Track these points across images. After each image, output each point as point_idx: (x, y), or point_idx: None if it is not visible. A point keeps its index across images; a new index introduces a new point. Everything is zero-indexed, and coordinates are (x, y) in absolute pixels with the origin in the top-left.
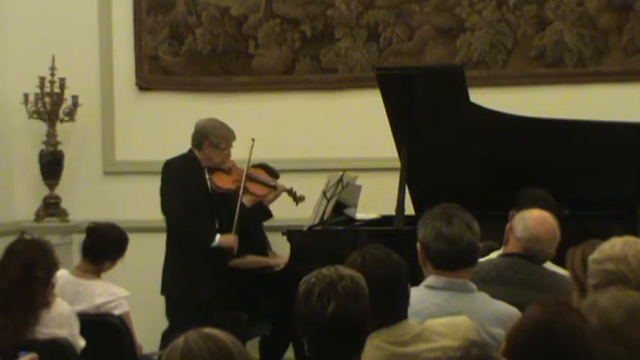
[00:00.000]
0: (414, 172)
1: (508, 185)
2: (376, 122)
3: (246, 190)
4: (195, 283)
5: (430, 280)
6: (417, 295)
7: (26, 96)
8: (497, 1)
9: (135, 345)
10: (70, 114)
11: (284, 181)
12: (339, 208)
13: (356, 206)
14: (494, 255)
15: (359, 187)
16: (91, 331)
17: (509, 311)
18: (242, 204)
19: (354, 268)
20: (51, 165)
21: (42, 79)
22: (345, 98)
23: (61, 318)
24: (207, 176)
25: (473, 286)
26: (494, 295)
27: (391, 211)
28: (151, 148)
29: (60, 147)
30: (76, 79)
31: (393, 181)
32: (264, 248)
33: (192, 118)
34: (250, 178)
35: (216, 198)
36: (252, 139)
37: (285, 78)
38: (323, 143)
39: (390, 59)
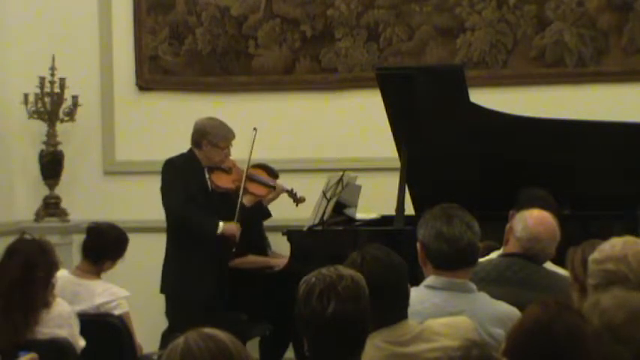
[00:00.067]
0: (414, 172)
1: (508, 185)
2: (376, 122)
3: (245, 190)
4: (196, 282)
5: (430, 280)
6: (417, 295)
7: (26, 96)
8: (497, 1)
9: (135, 345)
10: (70, 114)
11: (284, 181)
12: (339, 208)
13: (356, 206)
14: (494, 255)
15: (359, 187)
16: (91, 331)
17: (509, 311)
18: (242, 204)
19: (354, 268)
20: (51, 165)
21: (42, 79)
22: (345, 98)
23: (61, 318)
24: (207, 176)
25: (473, 286)
26: (494, 295)
27: (391, 211)
28: (151, 148)
29: (60, 147)
30: (76, 79)
31: (393, 181)
32: (264, 248)
33: (192, 118)
34: (250, 178)
35: (216, 197)
36: (254, 129)
37: (285, 78)
38: (323, 143)
39: (390, 59)
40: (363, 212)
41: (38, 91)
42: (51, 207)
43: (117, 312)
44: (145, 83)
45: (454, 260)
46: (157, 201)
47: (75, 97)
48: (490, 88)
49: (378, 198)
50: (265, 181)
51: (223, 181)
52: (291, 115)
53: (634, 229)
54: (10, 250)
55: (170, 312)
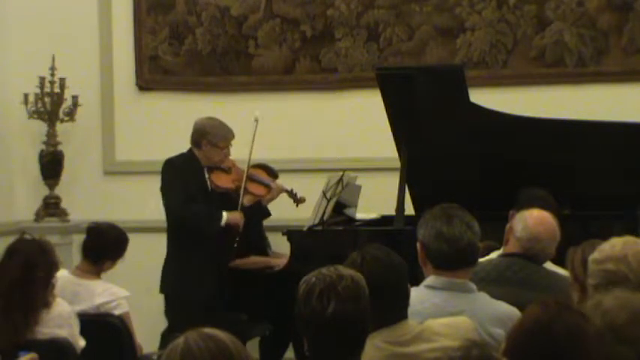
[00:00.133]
0: (414, 172)
1: (508, 185)
2: (376, 122)
3: (245, 190)
4: (196, 282)
5: (430, 280)
6: (417, 295)
7: (26, 96)
8: (497, 1)
9: (135, 345)
10: (70, 114)
11: (284, 181)
12: (339, 208)
13: (356, 206)
14: (494, 255)
15: (359, 187)
16: (91, 331)
17: (509, 311)
18: (242, 203)
19: (354, 268)
20: (51, 165)
21: (42, 79)
22: (345, 98)
23: (61, 318)
24: (206, 175)
25: (473, 286)
26: (494, 295)
27: (391, 211)
28: (151, 148)
29: (60, 147)
30: (76, 79)
31: (393, 181)
32: (264, 248)
33: (192, 118)
34: (250, 178)
35: (216, 197)
36: (256, 119)
37: (285, 78)
38: (323, 143)
39: (390, 59)
40: (363, 212)
41: (38, 91)
42: (51, 207)
43: (117, 312)
44: (145, 83)
45: (454, 260)
46: (157, 201)
47: (75, 97)
48: (490, 88)
49: (378, 198)
50: (265, 181)
51: (223, 181)
52: (291, 115)
53: (634, 229)
54: (10, 250)
55: (170, 312)
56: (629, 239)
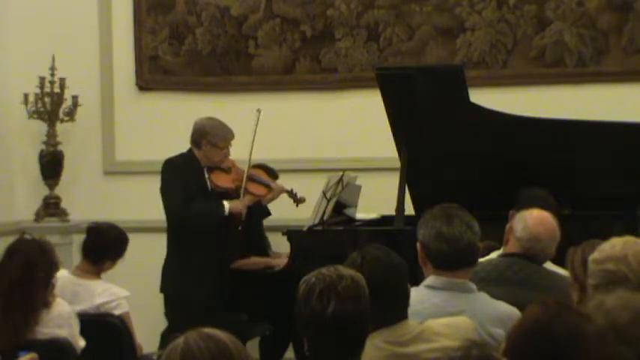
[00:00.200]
0: (414, 172)
1: (508, 185)
2: (376, 122)
3: (245, 190)
4: (196, 282)
5: (430, 280)
6: (417, 295)
7: (26, 96)
8: (497, 1)
9: (135, 345)
10: (70, 114)
11: (284, 181)
12: (339, 208)
13: (356, 206)
14: (494, 255)
15: (359, 187)
16: (91, 331)
17: (509, 311)
18: None
19: (354, 268)
20: (51, 165)
21: (42, 79)
22: (345, 98)
23: (61, 318)
24: (206, 175)
25: (473, 286)
26: (494, 295)
27: (391, 211)
28: (151, 148)
29: (60, 147)
30: (76, 79)
31: (393, 181)
32: (264, 248)
33: (192, 118)
34: (250, 178)
35: (216, 197)
36: (258, 110)
37: (285, 78)
38: (323, 143)
39: (390, 59)
40: (363, 212)
41: (38, 91)
42: (51, 207)
43: (117, 312)
44: (145, 83)
45: (454, 260)
46: (157, 201)
47: (75, 97)
48: (490, 88)
49: (378, 198)
50: (265, 181)
51: (223, 181)
52: (291, 115)
53: (634, 229)
54: (10, 250)
55: (170, 312)
56: (629, 239)
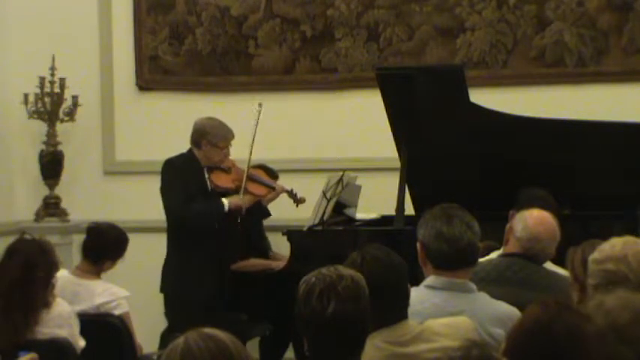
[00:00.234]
0: (414, 172)
1: (508, 185)
2: (376, 122)
3: (245, 190)
4: (196, 282)
5: (430, 280)
6: (417, 295)
7: (26, 96)
8: (497, 1)
9: (135, 345)
10: (70, 114)
11: (284, 181)
12: (339, 208)
13: (356, 206)
14: (494, 255)
15: (359, 187)
16: (91, 331)
17: (509, 311)
18: None
19: (354, 268)
20: (51, 165)
21: (42, 79)
22: (345, 98)
23: (61, 318)
24: (206, 175)
25: (473, 286)
26: (494, 295)
27: (391, 211)
28: (151, 148)
29: (60, 147)
30: (76, 79)
31: (393, 181)
32: (264, 248)
33: (192, 118)
34: (250, 178)
35: (216, 197)
36: (260, 104)
37: (285, 78)
38: (323, 143)
39: (390, 59)
40: (363, 212)
41: (38, 91)
42: (51, 207)
43: (117, 312)
44: (145, 83)
45: (454, 260)
46: (157, 201)
47: (75, 97)
48: (490, 88)
49: (378, 198)
50: (265, 182)
51: (223, 181)
52: (291, 115)
53: (634, 229)
54: (10, 250)
55: (170, 312)
56: (629, 239)
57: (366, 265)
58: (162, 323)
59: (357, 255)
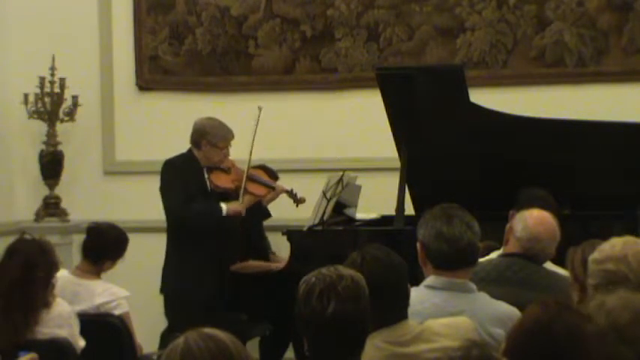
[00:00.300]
0: (414, 172)
1: (508, 185)
2: (376, 122)
3: (245, 190)
4: (195, 283)
5: (430, 280)
6: (417, 295)
7: (26, 96)
8: (497, 1)
9: (135, 345)
10: (70, 114)
11: (284, 181)
12: (339, 208)
13: (356, 206)
14: (494, 255)
15: (359, 187)
16: (91, 331)
17: (509, 311)
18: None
19: (354, 268)
20: (51, 165)
21: (42, 79)
22: (345, 98)
23: (61, 318)
24: (206, 176)
25: (473, 286)
26: (494, 295)
27: (391, 211)
28: (151, 148)
29: (60, 147)
30: (76, 79)
31: (393, 181)
32: (265, 249)
33: (192, 118)
34: (250, 178)
35: (216, 197)
36: (259, 107)
37: (285, 78)
38: (323, 143)
39: (390, 59)
40: (363, 212)
41: (38, 91)
42: (51, 207)
43: (117, 312)
44: (145, 83)
45: (454, 260)
46: (157, 201)
47: (75, 97)
48: (490, 88)
49: (378, 198)
50: (265, 182)
51: (222, 181)
52: (291, 115)
53: (634, 229)
54: (10, 250)
55: (170, 312)
56: (629, 239)
57: (366, 265)
58: (162, 323)
59: (357, 255)
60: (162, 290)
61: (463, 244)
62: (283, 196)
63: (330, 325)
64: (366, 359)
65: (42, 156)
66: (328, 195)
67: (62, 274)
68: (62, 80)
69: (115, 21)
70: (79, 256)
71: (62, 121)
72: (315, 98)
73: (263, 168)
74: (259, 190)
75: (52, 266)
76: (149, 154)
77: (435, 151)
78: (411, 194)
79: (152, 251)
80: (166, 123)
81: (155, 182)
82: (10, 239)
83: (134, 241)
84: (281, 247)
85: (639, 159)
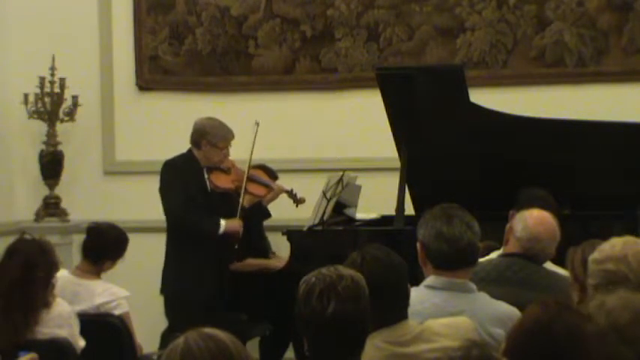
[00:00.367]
0: (414, 172)
1: (508, 185)
2: (376, 122)
3: (245, 190)
4: (195, 283)
5: (430, 280)
6: (417, 295)
7: (26, 96)
8: (497, 1)
9: (135, 345)
10: (70, 114)
11: (284, 181)
12: (339, 208)
13: (356, 206)
14: (494, 255)
15: (359, 187)
16: (91, 331)
17: (509, 311)
18: (242, 204)
19: (354, 268)
20: (51, 165)
21: (42, 79)
22: (345, 98)
23: (61, 318)
24: (206, 176)
25: (473, 286)
26: (494, 295)
27: (391, 211)
28: (151, 148)
29: (60, 147)
30: (76, 79)
31: (393, 181)
32: (265, 249)
33: (192, 118)
34: (250, 178)
35: (216, 197)
36: (257, 123)
37: (285, 78)
38: (323, 143)
39: (390, 59)
40: (363, 212)
41: (38, 91)
42: (51, 207)
43: (117, 312)
44: (145, 83)
45: (454, 260)
46: (156, 201)
47: (75, 97)
48: (490, 88)
49: (378, 198)
50: (265, 182)
51: (222, 182)
52: (291, 115)
53: (634, 229)
54: (10, 250)
55: (170, 312)
56: (629, 239)
57: (366, 265)
58: (162, 323)
59: (357, 255)
60: (163, 291)
61: (463, 244)
62: (283, 196)
63: (330, 325)
64: (366, 359)
65: (42, 156)
66: (328, 195)
67: (62, 274)
68: (62, 80)
69: (115, 21)
70: (79, 256)
71: (62, 121)
72: (315, 98)
73: (262, 168)
74: (259, 191)
75: (52, 266)
76: (149, 154)
77: (435, 151)
78: (411, 194)
79: (152, 251)
80: (166, 123)
81: (155, 182)
82: (10, 239)
83: (134, 241)
84: (281, 247)
85: (639, 159)
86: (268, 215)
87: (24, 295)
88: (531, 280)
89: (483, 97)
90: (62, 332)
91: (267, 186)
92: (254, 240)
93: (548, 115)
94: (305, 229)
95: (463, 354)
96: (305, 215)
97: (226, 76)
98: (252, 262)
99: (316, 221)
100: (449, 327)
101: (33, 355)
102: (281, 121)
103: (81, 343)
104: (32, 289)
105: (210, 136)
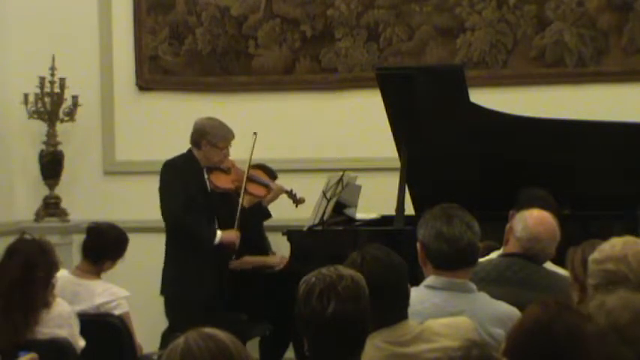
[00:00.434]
0: (414, 172)
1: (508, 185)
2: (376, 122)
3: (245, 191)
4: (195, 283)
5: (430, 280)
6: (417, 295)
7: (26, 96)
8: (497, 1)
9: (135, 345)
10: (70, 114)
11: (284, 181)
12: (339, 208)
13: (356, 206)
14: (494, 255)
15: (359, 187)
16: (91, 331)
17: (509, 311)
18: (242, 204)
19: (354, 268)
20: (51, 165)
21: (42, 79)
22: (345, 98)
23: (61, 318)
24: (206, 176)
25: (473, 286)
26: (494, 295)
27: (391, 211)
28: (151, 148)
29: (60, 147)
30: (76, 79)
31: (393, 181)
32: (264, 249)
33: (192, 118)
34: (250, 179)
35: (216, 198)
36: (254, 133)
37: (285, 78)
38: (323, 143)
39: (390, 59)
40: (363, 212)
41: (38, 91)
42: (51, 207)
43: (117, 312)
44: (145, 83)
45: (454, 260)
46: (157, 201)
47: (75, 97)
48: (490, 88)
49: (378, 198)
50: (264, 182)
51: (222, 182)
52: (291, 115)
53: (634, 229)
54: (10, 250)
55: (170, 312)
56: (629, 239)
57: (366, 265)
58: (162, 323)
59: (357, 255)
60: (163, 292)
61: (463, 244)
62: (283, 197)
63: (330, 325)
64: (366, 359)
65: (42, 156)
66: (328, 195)
67: (62, 274)
68: (62, 80)
69: (115, 21)
70: (79, 256)
71: (62, 121)
72: (315, 98)
73: (262, 168)
74: (259, 191)
75: (52, 266)
76: (149, 154)
77: (435, 151)
78: (411, 194)
79: (152, 251)
80: (166, 123)
81: (155, 182)
82: (10, 239)
83: (134, 241)
84: (281, 247)
85: (639, 159)
86: (268, 215)
87: (24, 295)
88: (531, 280)
89: (483, 97)
90: (62, 332)
91: (266, 186)
92: (254, 239)
93: (548, 115)
94: (305, 229)
95: (463, 354)
96: (305, 215)
97: (226, 76)
98: (250, 260)
99: (316, 221)
100: (449, 327)
101: (33, 355)
102: (281, 121)
103: (81, 343)
104: (32, 289)
105: (210, 136)
